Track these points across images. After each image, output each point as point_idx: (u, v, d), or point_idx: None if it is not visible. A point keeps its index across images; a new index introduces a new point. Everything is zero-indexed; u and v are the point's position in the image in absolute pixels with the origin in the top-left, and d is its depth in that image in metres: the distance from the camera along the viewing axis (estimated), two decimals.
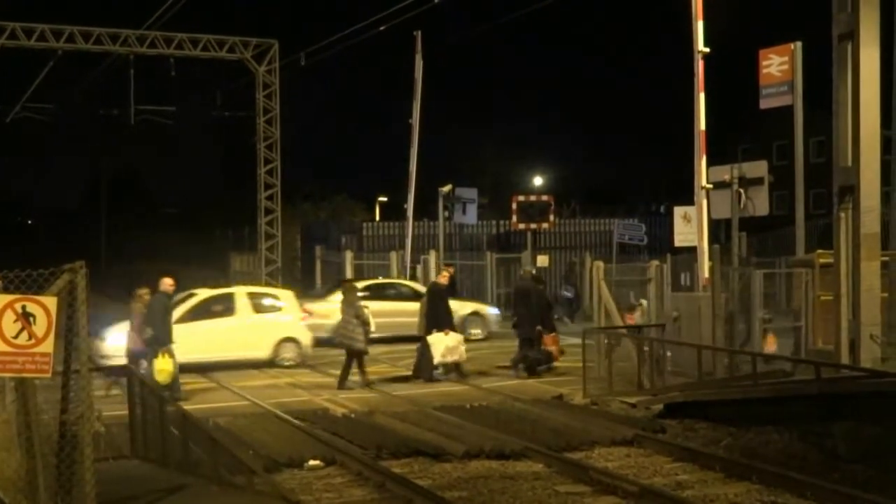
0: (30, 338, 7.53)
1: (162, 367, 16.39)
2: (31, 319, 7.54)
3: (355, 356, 18.09)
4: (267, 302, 22.29)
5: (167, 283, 17.55)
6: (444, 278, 20.11)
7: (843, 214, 13.02)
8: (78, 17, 35.48)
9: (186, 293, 21.20)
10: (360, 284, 23.29)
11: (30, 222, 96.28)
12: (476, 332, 25.28)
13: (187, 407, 12.46)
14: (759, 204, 17.32)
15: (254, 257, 39.18)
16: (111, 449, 12.21)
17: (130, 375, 13.91)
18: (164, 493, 9.65)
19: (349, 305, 18.40)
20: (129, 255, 62.80)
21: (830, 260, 13.69)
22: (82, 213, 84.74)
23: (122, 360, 17.02)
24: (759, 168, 17.82)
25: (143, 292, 17.58)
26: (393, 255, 31.12)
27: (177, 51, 35.47)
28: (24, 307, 7.53)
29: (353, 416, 15.10)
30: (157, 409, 11.83)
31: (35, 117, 40.13)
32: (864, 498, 9.66)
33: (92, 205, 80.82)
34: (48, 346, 7.60)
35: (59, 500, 8.01)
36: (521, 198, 35.18)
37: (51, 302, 7.62)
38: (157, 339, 16.70)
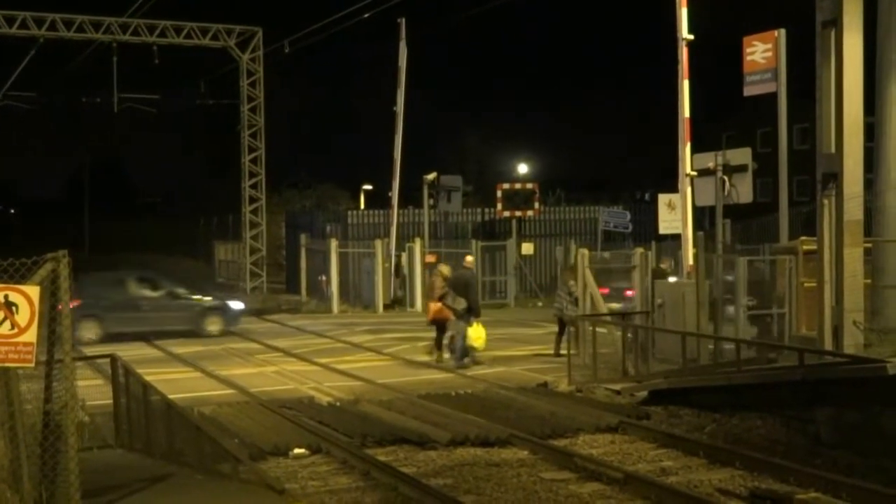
0: (12, 327, 7.50)
1: (478, 335, 18.68)
2: (14, 309, 7.51)
3: (565, 326, 19.57)
4: None
5: (470, 261, 20.31)
6: (665, 263, 21.47)
7: (826, 201, 13.05)
8: (60, 5, 35.24)
9: None
10: None
11: (12, 211, 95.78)
12: None
13: (172, 396, 12.43)
14: (743, 191, 17.37)
15: (238, 246, 39.14)
16: (95, 438, 12.18)
17: (114, 363, 13.87)
18: (148, 482, 9.64)
19: (563, 283, 20.25)
20: (113, 244, 62.62)
21: (814, 247, 13.73)
22: (65, 202, 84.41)
23: None
24: (743, 155, 17.86)
25: (443, 268, 20.05)
26: (378, 243, 31.09)
27: (160, 38, 35.36)
28: (6, 296, 7.50)
29: (338, 404, 15.10)
30: (141, 398, 11.81)
31: (17, 106, 39.92)
32: (846, 483, 9.72)
33: (75, 193, 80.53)
34: (31, 336, 7.57)
35: (44, 490, 8.00)
36: (506, 185, 35.17)
37: (34, 291, 7.59)
38: (471, 309, 18.73)
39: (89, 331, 23.60)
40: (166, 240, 57.95)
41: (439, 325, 19.62)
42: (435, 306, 19.50)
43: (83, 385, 12.37)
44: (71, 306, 24.02)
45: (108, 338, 23.26)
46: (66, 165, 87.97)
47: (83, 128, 66.51)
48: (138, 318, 24.36)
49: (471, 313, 18.80)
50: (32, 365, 7.73)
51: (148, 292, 25.29)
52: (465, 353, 18.80)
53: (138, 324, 24.20)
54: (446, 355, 19.35)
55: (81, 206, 76.29)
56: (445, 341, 19.54)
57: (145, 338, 23.56)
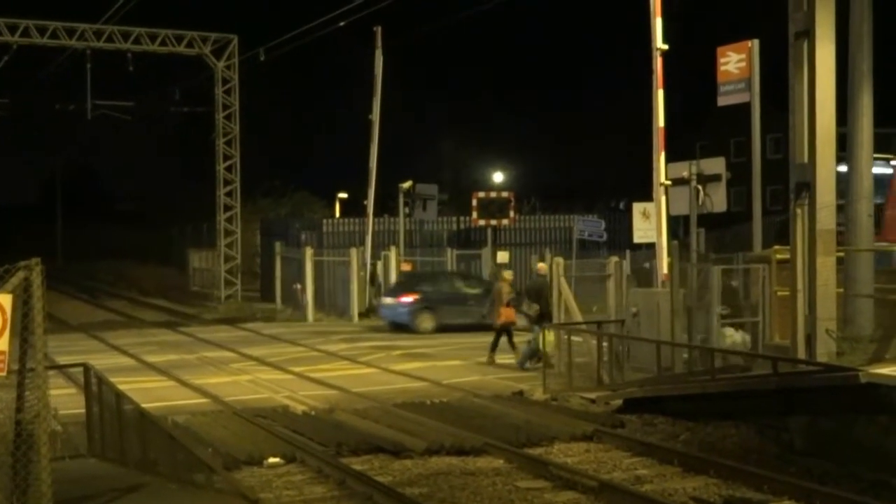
0: None
1: (550, 339, 18.30)
2: None
3: None
4: None
5: (545, 268, 20.35)
6: None
7: (799, 210, 13.16)
8: (33, 11, 35.05)
9: None
10: None
11: None
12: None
13: (146, 405, 12.35)
14: (717, 200, 17.46)
15: (213, 254, 38.96)
16: (68, 448, 12.08)
17: (87, 373, 13.76)
18: (121, 492, 9.57)
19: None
20: (86, 252, 62.28)
21: (787, 256, 13.83)
22: (38, 210, 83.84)
23: None
24: (716, 165, 17.95)
25: (507, 274, 21.17)
26: (353, 251, 31.04)
27: (134, 45, 35.20)
28: None
29: (313, 413, 15.05)
30: (114, 407, 11.72)
31: None
32: (819, 491, 9.78)
33: (48, 201, 80.00)
34: (3, 345, 7.51)
35: (15, 500, 7.93)
36: (482, 194, 35.19)
37: (5, 300, 7.53)
38: (543, 315, 19.10)
39: (427, 321, 26.58)
40: (140, 247, 57.70)
41: (508, 329, 20.29)
42: (506, 312, 20.16)
43: (56, 394, 12.23)
44: (411, 300, 24.73)
45: (441, 328, 26.09)
46: (40, 172, 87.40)
47: (57, 134, 66.11)
48: (464, 311, 26.49)
49: (543, 319, 19.11)
50: (4, 374, 7.66)
51: (470, 289, 27.40)
52: (529, 356, 19.23)
53: (464, 316, 26.32)
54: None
55: (54, 214, 75.83)
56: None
57: (469, 328, 25.09)
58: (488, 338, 20.55)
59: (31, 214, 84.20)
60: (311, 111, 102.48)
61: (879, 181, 19.14)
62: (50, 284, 8.27)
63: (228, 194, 37.06)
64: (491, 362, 19.95)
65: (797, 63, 13.13)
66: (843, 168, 15.38)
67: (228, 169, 36.95)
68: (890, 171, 15.91)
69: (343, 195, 57.90)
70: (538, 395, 16.20)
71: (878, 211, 21.23)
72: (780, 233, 20.49)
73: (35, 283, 7.77)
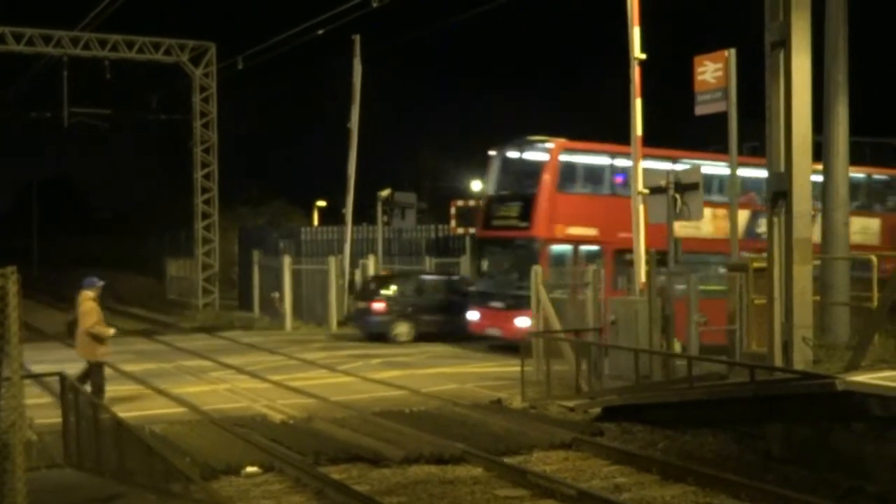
0: None
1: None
2: None
3: None
4: None
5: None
6: None
7: (776, 219, 13.22)
8: (9, 18, 34.89)
9: None
10: None
11: None
12: None
13: (123, 414, 12.27)
14: (695, 209, 17.53)
15: (191, 262, 38.80)
16: (44, 458, 12.00)
17: (63, 381, 13.67)
18: (98, 502, 9.51)
19: None
20: (63, 261, 61.89)
21: (764, 264, 13.90)
22: (14, 217, 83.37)
23: None
24: (694, 173, 18.03)
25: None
26: (331, 259, 30.99)
27: (112, 53, 35.06)
28: None
29: (291, 422, 15.00)
30: (91, 416, 11.64)
31: None
32: (796, 498, 9.83)
33: (24, 209, 79.55)
34: None
35: None
36: (460, 203, 35.23)
37: None
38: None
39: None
40: (117, 256, 57.39)
41: None
42: None
43: (31, 403, 12.17)
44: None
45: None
46: (15, 180, 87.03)
47: (33, 142, 65.82)
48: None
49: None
50: None
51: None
52: None
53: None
54: None
55: (30, 222, 75.40)
56: None
57: None
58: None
59: (7, 223, 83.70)
60: (290, 119, 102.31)
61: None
62: (25, 293, 8.22)
63: (206, 202, 36.94)
64: None
65: (773, 73, 13.21)
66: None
67: (206, 177, 36.84)
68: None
69: (322, 203, 57.80)
70: (517, 403, 16.21)
71: None
72: None
73: (10, 291, 7.71)
